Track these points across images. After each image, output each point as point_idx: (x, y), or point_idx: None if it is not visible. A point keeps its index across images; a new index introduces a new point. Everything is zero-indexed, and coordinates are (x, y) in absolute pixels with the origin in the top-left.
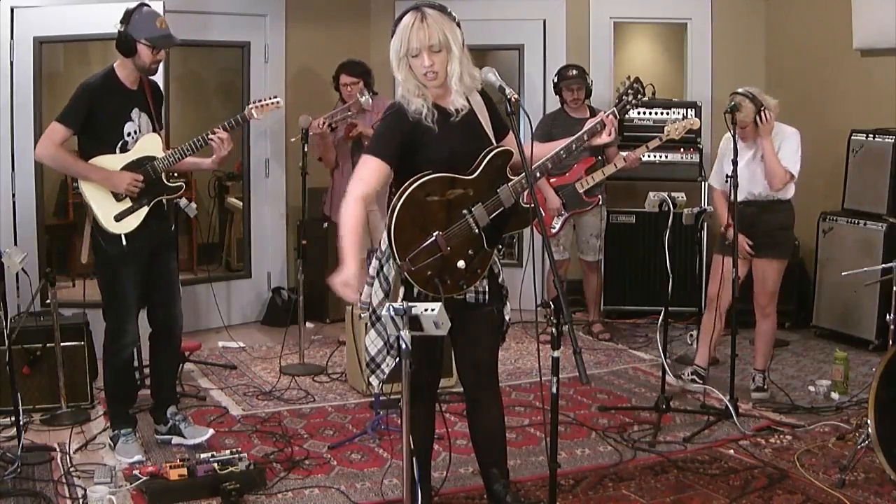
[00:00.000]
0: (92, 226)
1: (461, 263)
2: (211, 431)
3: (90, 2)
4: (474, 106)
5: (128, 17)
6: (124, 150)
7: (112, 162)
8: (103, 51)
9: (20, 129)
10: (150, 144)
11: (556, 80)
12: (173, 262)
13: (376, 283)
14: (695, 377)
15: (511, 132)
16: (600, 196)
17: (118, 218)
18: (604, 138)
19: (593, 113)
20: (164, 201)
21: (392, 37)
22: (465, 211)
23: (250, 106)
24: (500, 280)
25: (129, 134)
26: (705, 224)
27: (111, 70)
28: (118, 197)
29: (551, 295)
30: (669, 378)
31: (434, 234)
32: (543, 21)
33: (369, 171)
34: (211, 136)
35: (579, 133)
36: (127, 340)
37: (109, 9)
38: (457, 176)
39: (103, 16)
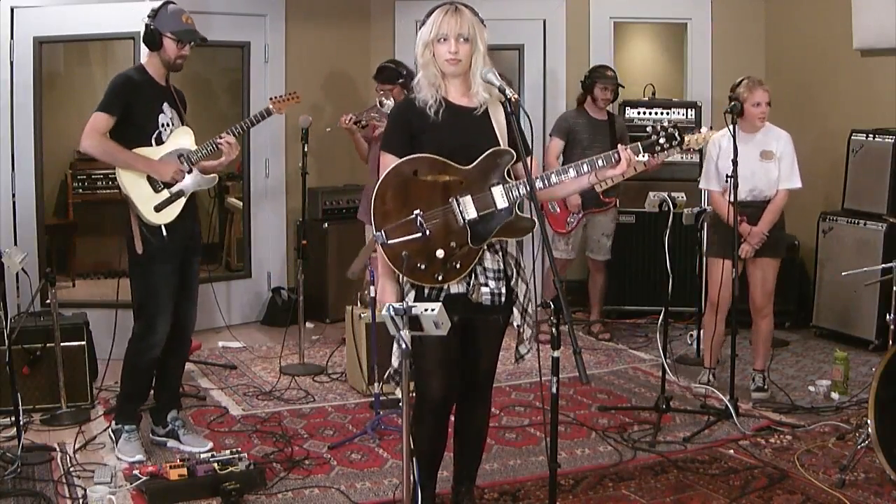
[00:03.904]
0: (138, 219)
1: (440, 253)
2: (210, 444)
3: (90, 2)
4: (492, 111)
5: (155, 13)
6: (159, 140)
7: (150, 153)
8: (103, 51)
9: (20, 129)
10: (183, 137)
11: (588, 77)
12: (196, 265)
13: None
14: (711, 378)
15: (532, 157)
16: (615, 198)
17: (158, 208)
18: (616, 171)
19: (611, 118)
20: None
21: (421, 27)
22: (451, 199)
23: (272, 99)
24: (511, 284)
25: (163, 125)
26: (705, 224)
27: (141, 66)
28: (156, 188)
29: (547, 294)
30: (694, 388)
31: (415, 212)
32: (543, 21)
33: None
34: (220, 140)
35: (593, 158)
36: (156, 340)
37: (109, 9)
38: (449, 162)
39: (103, 16)
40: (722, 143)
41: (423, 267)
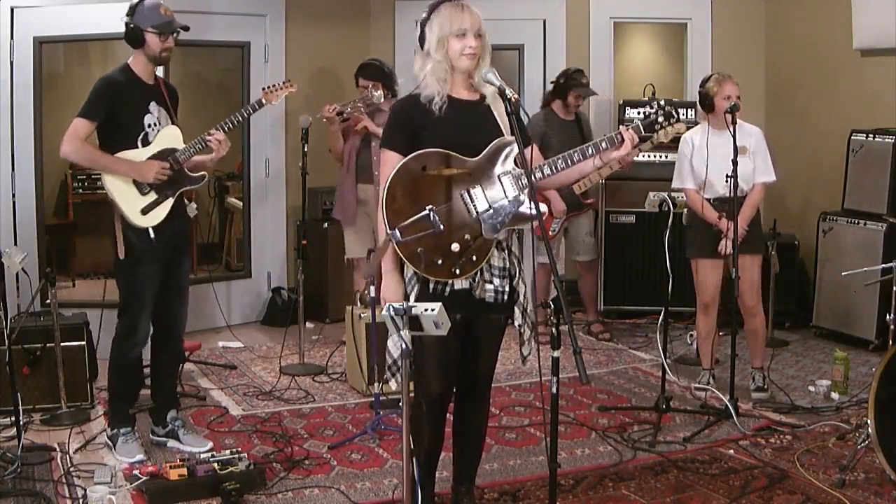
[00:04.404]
0: (121, 222)
1: (455, 246)
2: (210, 444)
3: (90, 2)
4: (493, 103)
5: (133, 9)
6: (146, 142)
7: (136, 156)
8: (103, 51)
9: (20, 129)
10: (170, 136)
11: (562, 82)
12: (186, 264)
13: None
14: (711, 379)
15: (532, 146)
16: (593, 198)
17: (145, 211)
18: (620, 152)
19: (578, 117)
20: (185, 200)
21: (423, 26)
22: (462, 191)
23: (264, 90)
24: (514, 282)
25: (149, 125)
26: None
27: (126, 65)
28: (142, 190)
29: (541, 296)
30: (694, 387)
31: (427, 207)
32: (543, 21)
33: (390, 167)
34: (208, 137)
35: (598, 140)
36: (138, 339)
37: (109, 9)
38: (456, 155)
39: (103, 16)
40: (695, 141)
41: (439, 262)
